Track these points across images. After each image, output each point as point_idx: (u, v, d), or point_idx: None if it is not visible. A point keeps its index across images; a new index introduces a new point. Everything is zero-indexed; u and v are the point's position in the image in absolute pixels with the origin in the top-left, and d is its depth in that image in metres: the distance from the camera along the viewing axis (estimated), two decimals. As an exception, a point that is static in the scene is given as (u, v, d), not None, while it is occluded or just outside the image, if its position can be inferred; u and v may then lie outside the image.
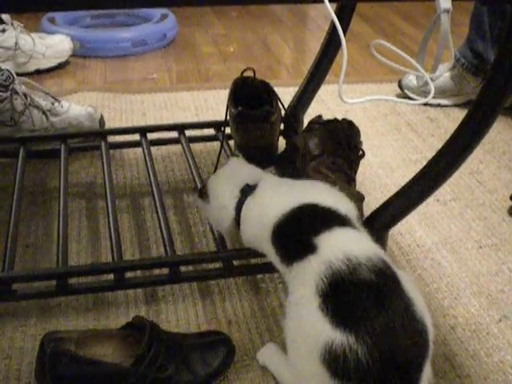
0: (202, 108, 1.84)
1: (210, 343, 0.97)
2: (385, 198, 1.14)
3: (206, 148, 1.58)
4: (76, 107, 1.57)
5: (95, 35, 2.31)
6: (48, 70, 2.09)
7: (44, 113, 1.52)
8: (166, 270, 1.11)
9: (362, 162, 1.28)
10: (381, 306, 0.81)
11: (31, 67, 2.05)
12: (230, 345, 0.98)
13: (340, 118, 1.29)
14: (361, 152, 1.27)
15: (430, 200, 1.20)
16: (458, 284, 1.19)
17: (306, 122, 1.37)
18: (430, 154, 1.04)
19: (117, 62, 2.22)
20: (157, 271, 1.15)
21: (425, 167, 1.05)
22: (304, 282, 0.87)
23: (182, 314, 1.09)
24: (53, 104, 1.54)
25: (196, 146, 1.53)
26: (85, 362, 0.89)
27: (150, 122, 1.73)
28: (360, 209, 1.12)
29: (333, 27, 1.37)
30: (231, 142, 1.42)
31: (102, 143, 1.43)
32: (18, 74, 1.53)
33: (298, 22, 2.79)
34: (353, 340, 0.78)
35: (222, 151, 1.36)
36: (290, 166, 1.31)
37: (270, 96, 1.36)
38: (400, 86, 1.92)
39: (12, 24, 2.01)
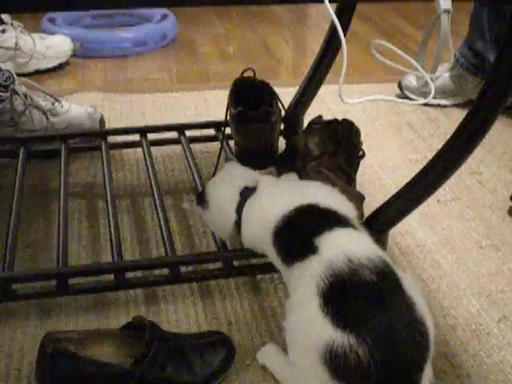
0: (202, 108, 1.84)
1: (210, 343, 0.97)
2: (385, 198, 1.15)
3: (206, 148, 1.58)
4: (76, 107, 1.57)
5: (95, 35, 2.31)
6: (48, 70, 2.09)
7: (44, 113, 1.52)
8: (166, 271, 1.11)
9: (362, 162, 1.28)
10: (382, 307, 0.81)
11: (31, 67, 2.05)
12: (230, 345, 0.98)
13: (340, 118, 1.29)
14: (361, 152, 1.26)
15: (431, 200, 1.20)
16: (458, 284, 1.19)
17: (306, 122, 1.37)
18: (430, 154, 1.04)
19: (117, 62, 2.22)
20: (157, 271, 1.15)
21: (425, 167, 1.05)
22: (305, 283, 0.87)
23: (182, 314, 1.09)
24: (53, 104, 1.54)
25: (196, 147, 1.53)
26: (85, 362, 0.89)
27: (150, 122, 1.73)
28: (360, 209, 1.12)
29: (333, 27, 1.37)
30: (231, 143, 1.42)
31: (102, 143, 1.43)
32: (18, 75, 1.53)
33: (299, 22, 2.80)
34: (353, 340, 0.79)
35: (222, 151, 1.36)
36: (290, 167, 1.31)
37: (270, 96, 1.36)
38: (400, 87, 1.92)
39: (12, 24, 2.01)
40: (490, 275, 1.21)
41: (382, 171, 1.55)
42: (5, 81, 1.46)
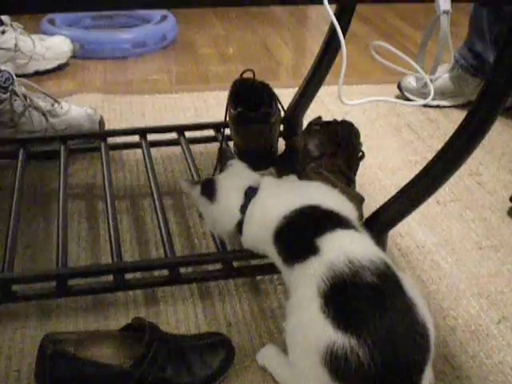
0: (202, 109, 1.84)
1: (209, 344, 0.97)
2: (384, 200, 1.15)
3: (205, 149, 1.58)
4: (76, 108, 1.57)
5: (95, 36, 2.31)
6: (48, 71, 2.09)
7: (44, 114, 1.52)
8: (165, 272, 1.11)
9: (362, 164, 1.28)
10: (382, 309, 0.81)
11: (31, 68, 2.05)
12: (230, 346, 0.98)
13: (340, 119, 1.29)
14: (360, 153, 1.27)
15: (430, 201, 1.20)
16: (458, 285, 1.19)
17: (305, 123, 1.37)
18: (430, 155, 1.04)
19: (117, 64, 2.22)
20: (156, 272, 1.15)
21: (424, 168, 1.05)
22: (305, 284, 0.87)
23: (181, 315, 1.09)
24: (52, 105, 1.54)
25: (196, 148, 1.53)
26: (84, 364, 0.89)
27: (150, 123, 1.73)
28: (360, 210, 1.12)
29: (332, 28, 1.37)
30: (231, 144, 1.42)
31: (102, 144, 1.43)
32: (17, 76, 1.53)
33: (298, 23, 2.80)
34: (354, 342, 0.79)
35: (222, 152, 1.37)
36: (290, 168, 1.31)
37: (270, 97, 1.36)
38: (399, 88, 1.92)
39: (12, 25, 2.01)
40: (490, 276, 1.21)
41: (382, 172, 1.55)
42: (4, 82, 1.46)
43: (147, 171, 1.34)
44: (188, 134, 1.50)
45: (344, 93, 0.93)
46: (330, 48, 1.40)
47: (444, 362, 1.02)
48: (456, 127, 0.98)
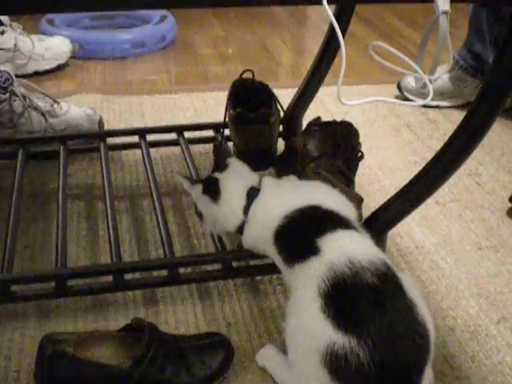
0: (201, 109, 1.84)
1: (208, 345, 0.97)
2: (384, 200, 1.15)
3: (205, 150, 1.58)
4: (75, 109, 1.57)
5: (94, 37, 2.31)
6: (47, 71, 2.09)
7: (43, 114, 1.52)
8: (164, 272, 1.11)
9: (361, 164, 1.28)
10: (382, 309, 0.81)
11: (30, 69, 2.05)
12: (229, 346, 0.98)
13: (339, 119, 1.29)
14: (360, 154, 1.27)
15: (429, 201, 1.20)
16: (457, 285, 1.19)
17: (304, 123, 1.37)
18: (429, 156, 1.04)
19: (116, 64, 2.22)
20: (156, 273, 1.15)
21: (424, 169, 1.05)
22: (306, 284, 0.87)
23: (180, 315, 1.09)
24: (52, 106, 1.54)
25: (195, 148, 1.53)
26: (84, 364, 0.89)
27: (149, 123, 1.73)
28: (359, 210, 1.12)
29: (332, 29, 1.37)
30: (230, 144, 1.42)
31: (101, 145, 1.43)
32: (16, 76, 1.53)
33: (298, 23, 2.80)
34: (354, 342, 0.79)
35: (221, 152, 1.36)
36: (289, 168, 1.31)
37: (269, 98, 1.36)
38: (399, 88, 1.92)
39: (11, 26, 2.01)
40: (489, 276, 1.21)
41: (381, 172, 1.55)
42: (4, 82, 1.46)
43: (146, 171, 1.34)
44: (187, 134, 1.50)
45: (343, 93, 0.93)
46: (330, 48, 1.40)
47: (443, 362, 1.02)
48: (455, 128, 0.98)
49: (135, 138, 1.48)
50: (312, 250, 0.89)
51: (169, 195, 1.41)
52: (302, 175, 1.22)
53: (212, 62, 2.28)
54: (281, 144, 1.44)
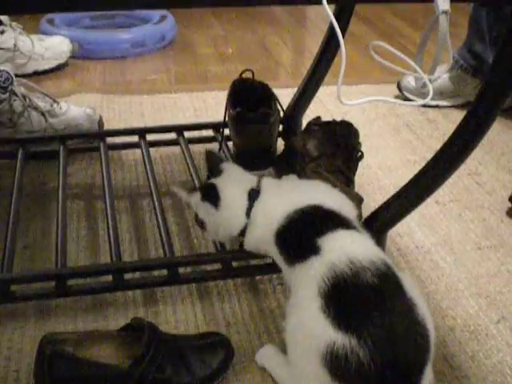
0: (201, 109, 1.84)
1: (208, 344, 0.97)
2: (383, 200, 1.15)
3: (204, 149, 1.57)
4: (75, 108, 1.57)
5: (94, 36, 2.31)
6: (47, 71, 2.09)
7: (43, 114, 1.52)
8: (164, 272, 1.11)
9: (361, 164, 1.28)
10: (382, 309, 0.81)
11: (30, 68, 2.05)
12: (229, 346, 0.98)
13: (339, 119, 1.30)
14: (359, 153, 1.27)
15: (429, 201, 1.20)
16: (457, 285, 1.19)
17: (304, 123, 1.37)
18: (429, 155, 1.04)
19: (116, 64, 2.22)
20: (155, 272, 1.15)
21: (423, 168, 1.05)
22: (306, 284, 0.87)
23: (180, 315, 1.09)
24: (51, 105, 1.54)
25: (195, 148, 1.53)
26: (83, 364, 0.89)
27: (149, 123, 1.73)
28: (359, 210, 1.12)
29: (331, 28, 1.37)
30: (230, 144, 1.42)
31: (101, 144, 1.43)
32: (16, 76, 1.53)
33: (297, 23, 2.80)
34: (354, 342, 0.79)
35: (221, 152, 1.37)
36: (289, 168, 1.31)
37: (269, 97, 1.36)
38: (399, 88, 1.92)
39: (11, 25, 2.01)
40: (489, 276, 1.21)
41: (381, 172, 1.55)
42: (3, 82, 1.46)
43: (146, 171, 1.34)
44: (187, 134, 1.50)
45: (343, 93, 0.93)
46: (329, 48, 1.40)
47: (443, 361, 1.02)
48: (455, 127, 0.98)
49: (135, 138, 1.48)
50: (312, 250, 0.89)
51: (168, 195, 1.41)
52: (302, 175, 1.22)
53: (212, 62, 2.28)
54: (280, 144, 1.44)
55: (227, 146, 1.42)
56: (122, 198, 1.40)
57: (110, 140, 1.48)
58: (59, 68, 2.12)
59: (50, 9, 0.76)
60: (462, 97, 1.89)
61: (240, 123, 1.29)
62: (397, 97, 1.92)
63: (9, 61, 1.99)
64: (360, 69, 2.17)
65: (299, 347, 0.86)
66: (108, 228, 1.16)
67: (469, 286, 1.19)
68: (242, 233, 1.04)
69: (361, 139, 1.28)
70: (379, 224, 1.13)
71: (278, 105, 1.36)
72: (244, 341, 1.04)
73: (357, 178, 1.26)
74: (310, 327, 0.83)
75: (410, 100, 1.87)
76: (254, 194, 1.03)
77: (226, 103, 1.33)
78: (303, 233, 0.94)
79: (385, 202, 1.14)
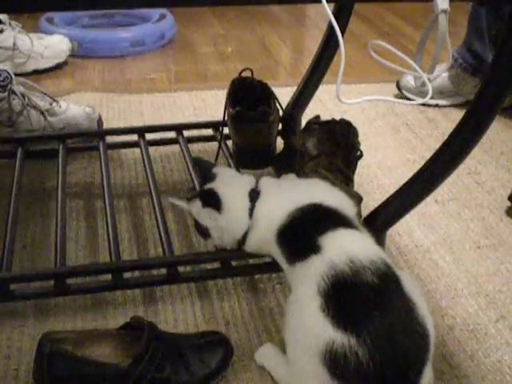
0: (201, 108, 1.84)
1: (208, 343, 0.97)
2: (383, 199, 1.15)
3: (204, 148, 1.58)
4: (74, 107, 1.57)
5: (93, 35, 2.31)
6: (46, 70, 2.09)
7: (42, 113, 1.51)
8: (163, 271, 1.11)
9: (360, 163, 1.28)
10: (382, 309, 0.81)
11: (29, 67, 2.05)
12: (228, 345, 0.98)
13: (338, 118, 1.29)
14: (359, 152, 1.27)
15: (428, 200, 1.20)
16: (456, 284, 1.19)
17: (303, 122, 1.37)
18: (428, 155, 1.04)
19: (115, 62, 2.22)
20: (155, 271, 1.15)
21: (423, 167, 1.05)
22: (306, 282, 0.87)
23: (180, 314, 1.09)
24: (51, 104, 1.54)
25: (194, 147, 1.53)
26: (83, 363, 0.89)
27: (149, 122, 1.73)
28: (358, 209, 1.12)
29: (331, 27, 1.37)
30: (229, 143, 1.42)
31: (100, 143, 1.43)
32: (15, 75, 1.53)
33: (296, 22, 2.80)
34: (353, 341, 0.79)
35: (221, 151, 1.37)
36: (288, 167, 1.31)
37: (268, 96, 1.36)
38: (398, 87, 1.92)
39: (10, 24, 2.01)
40: (488, 275, 1.21)
41: (380, 171, 1.55)
42: (3, 81, 1.46)
43: (146, 170, 1.34)
44: (186, 132, 1.50)
45: (342, 92, 0.93)
46: (329, 47, 1.40)
47: (442, 360, 1.02)
48: (454, 126, 0.98)
49: (134, 137, 1.48)
50: (313, 249, 0.89)
51: (168, 194, 1.40)
52: (301, 174, 1.22)
53: (211, 61, 2.28)
54: (280, 143, 1.44)
55: (226, 144, 1.42)
56: (121, 197, 1.40)
57: (109, 139, 1.48)
58: (58, 67, 2.12)
59: (50, 8, 0.76)
60: (462, 96, 1.89)
61: (239, 122, 1.29)
62: (396, 96, 1.92)
63: (8, 59, 1.99)
64: (359, 68, 2.17)
65: (298, 346, 0.86)
66: (107, 227, 1.16)
67: (468, 285, 1.19)
68: (245, 235, 1.03)
69: (360, 138, 1.28)
70: (379, 223, 1.13)
71: (277, 104, 1.36)
72: (243, 340, 1.04)
73: (356, 177, 1.26)
74: (310, 326, 0.83)
75: (409, 99, 1.87)
76: (254, 195, 1.03)
77: (226, 102, 1.33)
78: (304, 231, 0.94)
79: (384, 201, 1.14)
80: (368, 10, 2.76)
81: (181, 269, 1.11)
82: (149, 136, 1.48)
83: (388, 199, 1.13)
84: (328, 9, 0.78)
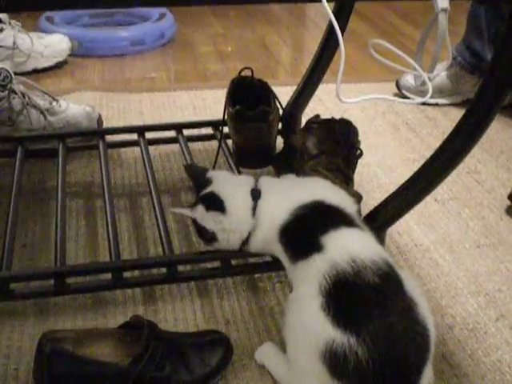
0: (200, 107, 1.84)
1: (208, 342, 0.97)
2: (383, 198, 1.15)
3: (204, 147, 1.58)
4: (74, 106, 1.57)
5: (93, 34, 2.31)
6: (46, 69, 2.09)
7: (42, 112, 1.51)
8: (163, 270, 1.11)
9: (360, 162, 1.28)
10: (383, 309, 0.81)
11: (29, 66, 2.04)
12: (228, 344, 0.98)
13: (338, 117, 1.30)
14: (359, 151, 1.27)
15: (428, 199, 1.20)
16: (456, 283, 1.19)
17: (303, 121, 1.37)
18: (428, 153, 1.04)
19: (115, 62, 2.22)
20: (155, 270, 1.15)
21: (423, 166, 1.05)
22: (307, 281, 0.87)
23: (180, 313, 1.09)
24: (51, 103, 1.54)
25: (194, 146, 1.53)
26: (83, 362, 0.89)
27: (148, 121, 1.73)
28: (358, 208, 1.12)
29: (330, 26, 1.37)
30: (229, 142, 1.42)
31: (100, 142, 1.43)
32: (15, 74, 1.53)
33: (296, 21, 2.79)
34: (353, 340, 0.79)
35: (220, 150, 1.36)
36: (288, 166, 1.31)
37: (268, 95, 1.36)
38: (398, 86, 1.92)
39: (10, 23, 2.01)
40: (488, 274, 1.21)
41: (380, 170, 1.55)
42: (2, 80, 1.46)
43: (145, 169, 1.34)
44: (186, 132, 1.50)
45: (342, 91, 0.93)
46: (329, 46, 1.40)
47: (442, 360, 1.02)
48: (454, 125, 0.98)
49: (134, 136, 1.48)
50: (315, 247, 0.89)
51: (168, 193, 1.41)
52: (301, 173, 1.22)
53: (211, 60, 2.28)
54: (280, 142, 1.44)
55: (226, 144, 1.42)
56: (121, 196, 1.40)
57: (109, 138, 1.48)
58: (58, 66, 2.12)
59: (50, 7, 0.76)
60: (461, 94, 1.89)
61: (239, 121, 1.29)
62: (396, 95, 1.92)
63: (8, 59, 1.99)
64: (359, 67, 2.17)
65: (298, 344, 0.86)
66: (107, 226, 1.16)
67: (468, 284, 1.19)
68: (249, 235, 1.02)
69: (360, 137, 1.28)
70: (378, 222, 1.13)
71: (277, 103, 1.36)
72: (243, 339, 1.04)
73: (356, 176, 1.26)
74: (310, 325, 0.83)
75: (409, 98, 1.87)
76: (256, 194, 1.03)
77: (226, 101, 1.33)
78: (306, 230, 0.94)
79: (384, 200, 1.14)
80: (368, 8, 2.76)
81: (181, 268, 1.11)
82: (148, 135, 1.48)
83: (388, 198, 1.13)
84: (328, 8, 0.78)
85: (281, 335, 1.00)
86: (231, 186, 1.05)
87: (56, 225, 1.15)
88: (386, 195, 1.14)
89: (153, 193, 1.25)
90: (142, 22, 2.42)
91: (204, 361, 0.94)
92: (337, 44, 0.87)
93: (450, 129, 0.99)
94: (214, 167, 1.36)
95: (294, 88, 1.53)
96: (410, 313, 0.83)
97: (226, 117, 1.34)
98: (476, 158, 1.61)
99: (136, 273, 1.13)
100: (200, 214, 1.03)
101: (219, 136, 1.40)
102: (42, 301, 1.10)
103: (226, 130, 1.39)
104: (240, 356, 1.00)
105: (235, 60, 2.28)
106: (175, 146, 1.49)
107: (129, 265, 1.12)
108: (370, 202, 1.25)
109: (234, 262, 1.13)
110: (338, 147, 1.23)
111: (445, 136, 1.00)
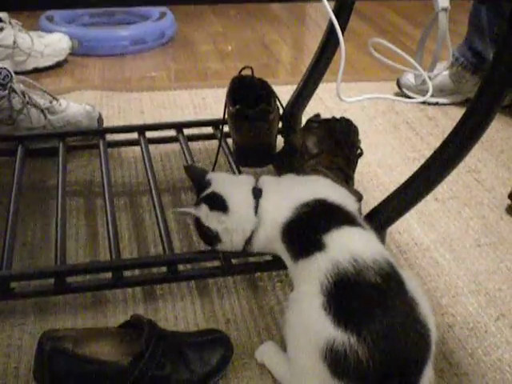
0: (201, 106, 1.84)
1: (208, 341, 0.97)
2: (383, 197, 1.15)
3: (204, 146, 1.58)
4: (74, 106, 1.57)
5: (94, 33, 2.31)
6: (46, 68, 2.09)
7: (42, 111, 1.51)
8: (164, 269, 1.11)
9: (361, 161, 1.28)
10: (384, 308, 0.81)
11: (29, 66, 2.05)
12: (228, 343, 0.98)
13: (338, 116, 1.29)
14: (359, 150, 1.27)
15: (429, 198, 1.20)
16: (456, 282, 1.19)
17: (304, 120, 1.37)
18: (429, 153, 1.04)
19: (115, 61, 2.22)
20: (155, 269, 1.15)
21: (423, 166, 1.05)
22: (309, 279, 0.87)
23: (180, 312, 1.09)
24: (51, 102, 1.54)
25: (194, 145, 1.53)
26: (83, 361, 0.89)
27: (149, 120, 1.73)
28: (358, 207, 1.12)
29: (331, 25, 1.37)
30: (229, 141, 1.41)
31: (101, 141, 1.43)
32: (16, 73, 1.53)
33: (297, 20, 2.79)
34: (354, 340, 0.79)
35: (221, 149, 1.36)
36: (288, 165, 1.31)
37: (268, 94, 1.36)
38: (398, 85, 1.92)
39: (10, 22, 2.01)
40: (488, 273, 1.21)
41: (380, 169, 1.55)
42: (3, 79, 1.46)
43: (146, 168, 1.34)
44: (186, 131, 1.50)
45: (342, 90, 0.93)
46: (329, 45, 1.40)
47: (442, 359, 1.02)
48: (454, 125, 0.98)
49: (134, 135, 1.48)
50: (317, 246, 0.89)
51: (168, 192, 1.41)
52: (301, 172, 1.22)
53: (211, 59, 2.28)
54: (280, 141, 1.44)
55: (227, 143, 1.42)
56: (121, 195, 1.40)
57: (109, 137, 1.48)
58: (58, 65, 2.12)
59: (50, 6, 0.76)
60: (462, 94, 1.89)
61: (239, 120, 1.29)
62: (396, 94, 1.92)
63: (8, 58, 1.99)
64: (359, 66, 2.17)
65: (299, 343, 0.86)
66: (107, 225, 1.16)
67: (468, 283, 1.19)
68: (252, 234, 1.02)
69: (360, 136, 1.28)
70: (379, 221, 1.13)
71: (277, 102, 1.36)
72: (243, 338, 1.04)
73: (356, 176, 1.26)
74: (311, 323, 0.83)
75: (409, 97, 1.87)
76: (257, 193, 1.03)
77: (226, 100, 1.33)
78: (308, 228, 0.94)
79: (384, 199, 1.14)
80: (368, 8, 2.76)
81: (181, 267, 1.12)
82: (149, 134, 1.48)
83: (388, 197, 1.13)
84: (328, 7, 0.78)
85: (281, 334, 1.00)
86: (232, 185, 1.05)
87: (56, 224, 1.16)
88: (386, 194, 1.14)
89: (153, 192, 1.25)
90: (142, 21, 2.42)
91: (204, 360, 0.94)
92: (337, 43, 0.87)
93: (451, 128, 0.99)
94: (214, 166, 1.36)
95: (295, 87, 1.53)
96: (411, 313, 0.83)
97: (226, 116, 1.34)
98: (476, 157, 1.61)
99: (136, 272, 1.14)
100: (204, 213, 1.03)
101: (219, 135, 1.40)
102: (42, 300, 1.10)
103: (226, 129, 1.39)
104: (240, 355, 1.00)
105: (235, 59, 2.28)
106: (175, 145, 1.49)
107: (129, 264, 1.12)
108: (371, 201, 1.25)
109: (234, 261, 1.13)
110: (338, 146, 1.23)
111: (445, 135, 1.00)
